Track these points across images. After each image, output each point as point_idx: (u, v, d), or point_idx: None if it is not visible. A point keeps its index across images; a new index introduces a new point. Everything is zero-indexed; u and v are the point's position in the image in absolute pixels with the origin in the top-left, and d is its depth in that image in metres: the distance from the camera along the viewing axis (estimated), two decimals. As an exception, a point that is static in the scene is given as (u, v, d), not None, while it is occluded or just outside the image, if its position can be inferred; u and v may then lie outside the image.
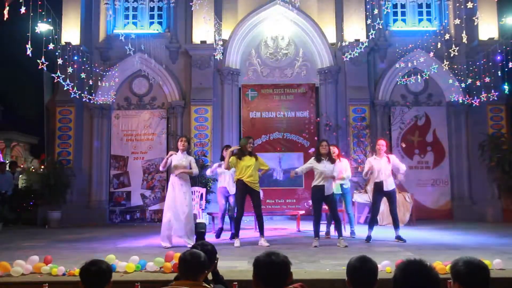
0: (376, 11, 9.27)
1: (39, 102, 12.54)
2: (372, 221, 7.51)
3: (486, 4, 11.34)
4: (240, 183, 7.05)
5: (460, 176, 11.68)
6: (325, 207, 7.35)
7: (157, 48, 11.55)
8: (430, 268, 2.20)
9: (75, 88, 8.87)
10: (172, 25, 12.27)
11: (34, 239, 8.13)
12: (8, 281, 4.47)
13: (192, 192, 7.70)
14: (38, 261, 4.82)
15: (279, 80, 12.27)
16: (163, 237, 6.95)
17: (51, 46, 7.27)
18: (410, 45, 11.43)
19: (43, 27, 7.42)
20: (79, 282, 2.69)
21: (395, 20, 12.41)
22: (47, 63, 7.07)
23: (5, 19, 5.77)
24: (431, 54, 9.43)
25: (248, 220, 9.30)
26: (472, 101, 10.36)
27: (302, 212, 9.85)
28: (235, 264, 5.13)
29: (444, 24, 11.60)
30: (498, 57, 9.47)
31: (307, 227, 8.42)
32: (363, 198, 10.08)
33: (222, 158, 8.07)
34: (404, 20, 12.41)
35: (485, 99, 10.07)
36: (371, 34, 9.05)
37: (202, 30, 11.40)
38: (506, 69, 8.63)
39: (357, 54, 9.96)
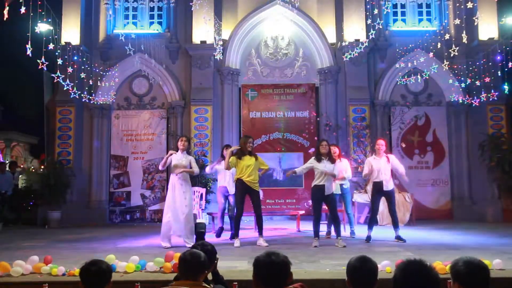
0: (376, 11, 9.27)
1: (39, 102, 12.55)
2: (371, 221, 7.51)
3: (486, 4, 11.34)
4: (239, 183, 7.05)
5: (460, 176, 11.68)
6: (325, 207, 7.35)
7: (157, 48, 11.55)
8: (430, 268, 2.20)
9: (75, 88, 8.87)
10: (172, 25, 12.27)
11: (34, 239, 8.13)
12: (8, 281, 4.47)
13: (192, 192, 7.70)
14: (38, 261, 4.82)
15: (279, 80, 12.27)
16: (163, 237, 6.95)
17: (51, 46, 7.27)
18: (410, 45, 11.43)
19: (43, 27, 7.43)
20: (79, 282, 2.69)
21: (395, 20, 12.41)
22: (47, 63, 7.07)
23: (5, 19, 5.77)
24: (431, 54, 9.44)
25: (248, 220, 9.31)
26: (472, 101, 10.36)
27: (302, 212, 9.85)
28: (235, 264, 5.13)
29: (444, 24, 11.60)
30: (498, 57, 9.47)
31: (307, 227, 8.42)
32: (363, 198, 10.07)
33: (223, 157, 8.08)
34: (404, 20, 12.41)
35: (485, 99, 10.07)
36: (371, 34, 9.05)
37: (202, 30, 11.40)
38: (506, 69, 8.63)
39: (357, 54, 9.95)
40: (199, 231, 7.03)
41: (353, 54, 9.81)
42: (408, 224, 9.85)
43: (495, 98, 10.09)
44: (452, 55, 8.79)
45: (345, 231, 8.24)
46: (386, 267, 4.54)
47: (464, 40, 8.01)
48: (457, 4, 11.10)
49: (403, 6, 12.44)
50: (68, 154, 11.48)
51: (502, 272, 4.59)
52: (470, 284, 2.26)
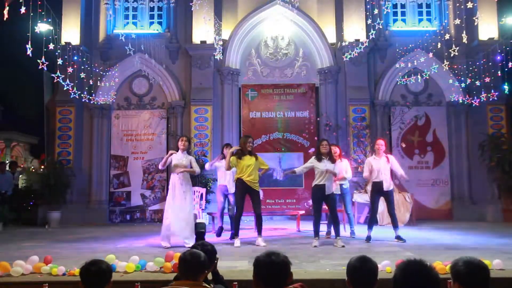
0: (376, 11, 9.27)
1: (39, 102, 12.55)
2: (371, 221, 7.51)
3: (486, 4, 11.34)
4: (239, 182, 7.05)
5: (460, 176, 11.68)
6: (325, 207, 7.35)
7: (157, 48, 11.55)
8: (430, 268, 2.20)
9: (75, 88, 8.86)
10: (172, 25, 12.27)
11: (34, 239, 8.13)
12: (8, 281, 4.47)
13: (192, 192, 7.69)
14: (38, 261, 4.82)
15: (279, 80, 12.27)
16: (163, 237, 6.95)
17: (51, 46, 7.27)
18: (410, 45, 11.43)
19: (43, 27, 7.43)
20: (79, 282, 2.69)
21: (395, 20, 12.41)
22: (47, 63, 7.07)
23: (5, 19, 5.77)
24: (431, 54, 9.44)
25: (248, 220, 9.30)
26: (472, 101, 10.36)
27: (302, 212, 9.85)
28: (235, 264, 5.13)
29: (444, 24, 11.60)
30: (498, 57, 9.47)
31: (307, 227, 8.42)
32: (363, 198, 10.07)
33: (223, 155, 8.10)
34: (404, 20, 12.41)
35: (485, 99, 10.07)
36: (371, 34, 9.04)
37: (202, 30, 11.40)
38: (506, 69, 8.63)
39: (357, 54, 9.95)
40: (199, 231, 7.03)
41: (353, 54, 9.80)
42: (408, 224, 9.85)
43: (495, 98, 10.09)
44: (452, 55, 8.79)
45: (345, 231, 8.24)
46: (386, 267, 4.55)
47: (464, 40, 8.02)
48: (457, 4, 11.10)
49: (403, 6, 12.44)
50: (68, 154, 11.49)
51: (502, 272, 4.59)
52: (470, 284, 2.26)
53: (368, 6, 10.35)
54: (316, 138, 11.60)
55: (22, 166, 17.55)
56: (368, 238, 7.32)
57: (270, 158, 11.17)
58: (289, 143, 11.91)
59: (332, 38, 12.03)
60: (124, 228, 10.27)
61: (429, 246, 6.75)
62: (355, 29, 11.62)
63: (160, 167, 7.37)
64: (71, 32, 11.50)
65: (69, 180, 11.13)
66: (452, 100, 11.61)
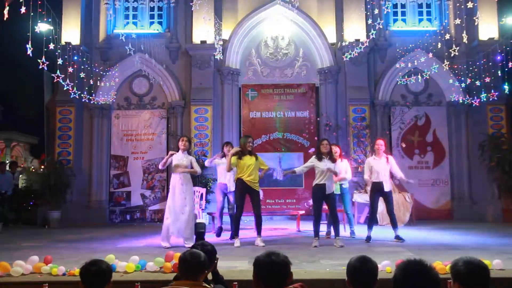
0: (376, 11, 9.27)
1: (39, 102, 12.55)
2: (371, 221, 7.51)
3: (486, 4, 11.34)
4: (240, 182, 7.05)
5: (460, 176, 11.69)
6: (325, 207, 7.35)
7: (157, 48, 11.55)
8: (430, 268, 2.20)
9: (75, 88, 8.87)
10: (172, 25, 12.27)
11: (34, 239, 8.13)
12: (8, 281, 4.47)
13: (193, 192, 7.68)
14: (38, 261, 4.82)
15: (279, 80, 12.27)
16: (163, 237, 6.95)
17: (51, 46, 7.27)
18: (410, 45, 11.43)
19: (43, 27, 7.43)
20: (79, 282, 2.69)
21: (395, 20, 12.41)
22: (47, 63, 7.07)
23: (5, 19, 5.77)
24: (431, 54, 9.43)
25: (248, 220, 9.30)
26: (472, 101, 10.36)
27: (302, 212, 9.85)
28: (235, 264, 5.13)
29: (444, 24, 11.60)
30: (498, 57, 9.47)
31: (307, 227, 8.42)
32: (363, 198, 10.07)
33: (223, 153, 8.09)
34: (404, 20, 12.41)
35: (485, 99, 10.07)
36: (371, 34, 9.03)
37: (202, 30, 11.40)
38: (506, 69, 8.63)
39: (357, 54, 9.95)
40: (198, 231, 7.03)
41: (353, 54, 9.80)
42: (408, 224, 9.84)
43: (495, 98, 10.09)
44: (452, 55, 8.80)
45: (345, 231, 8.24)
46: (386, 267, 4.55)
47: (464, 40, 8.04)
48: (457, 4, 11.10)
49: (403, 6, 12.44)
50: (68, 154, 11.49)
51: (502, 272, 4.59)
52: (470, 284, 2.26)
53: (368, 6, 10.35)
54: (316, 138, 11.60)
55: (22, 166, 17.55)
56: (368, 238, 7.32)
57: (270, 158, 11.18)
58: (289, 143, 11.91)
59: (332, 38, 12.03)
60: (124, 228, 10.27)
61: (429, 246, 6.75)
62: (355, 29, 11.62)
63: (160, 167, 7.39)
64: (71, 32, 11.50)
65: (69, 180, 11.13)
66: (452, 100, 11.61)
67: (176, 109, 11.93)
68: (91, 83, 10.83)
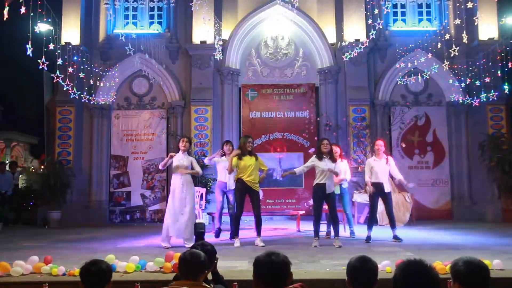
0: (376, 11, 9.26)
1: (39, 102, 12.55)
2: (371, 221, 7.51)
3: (486, 4, 11.34)
4: (240, 183, 7.05)
5: (460, 176, 11.69)
6: (325, 207, 7.35)
7: (157, 48, 11.54)
8: (430, 268, 2.20)
9: (75, 88, 8.87)
10: (172, 25, 12.27)
11: (34, 239, 8.13)
12: (8, 281, 4.47)
13: (194, 193, 7.66)
14: (38, 261, 4.82)
15: (279, 80, 12.27)
16: (163, 237, 6.95)
17: (51, 46, 7.27)
18: (410, 45, 11.43)
19: (43, 27, 7.43)
20: (79, 282, 2.69)
21: (395, 20, 12.41)
22: (47, 63, 7.07)
23: (5, 19, 5.77)
24: (430, 54, 9.43)
25: (248, 220, 9.30)
26: (472, 101, 10.37)
27: (302, 212, 9.85)
28: (235, 264, 5.13)
29: (444, 24, 11.60)
30: (498, 57, 9.46)
31: (307, 227, 8.42)
32: (363, 198, 10.06)
33: (223, 152, 8.09)
34: (404, 20, 12.41)
35: (485, 99, 10.06)
36: (371, 34, 9.03)
37: (202, 30, 11.40)
38: (506, 69, 8.63)
39: (357, 54, 9.95)
40: (198, 231, 7.02)
41: (353, 54, 9.79)
42: (408, 224, 9.85)
43: (495, 98, 10.10)
44: (452, 55, 8.79)
45: (344, 231, 8.24)
46: (386, 267, 4.55)
47: (464, 40, 8.01)
48: (457, 4, 11.10)
49: (403, 6, 12.44)
50: (68, 154, 11.49)
51: (502, 272, 4.59)
52: (470, 284, 2.26)
53: (368, 6, 10.33)
54: (316, 138, 11.59)
55: (22, 166, 17.54)
56: (368, 238, 7.32)
57: (270, 158, 11.20)
58: (289, 143, 11.90)
59: (332, 38, 12.03)
60: (124, 228, 10.27)
61: (429, 246, 6.75)
62: (355, 29, 11.62)
63: (160, 167, 7.42)
64: (71, 32, 11.50)
65: (69, 180, 11.12)
66: (452, 100, 11.61)
67: (176, 109, 11.93)
68: (91, 83, 10.83)
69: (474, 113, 11.49)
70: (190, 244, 5.72)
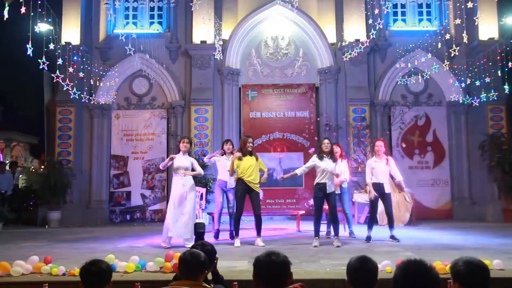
0: (376, 11, 9.26)
1: (39, 102, 12.55)
2: (371, 221, 7.51)
3: (486, 4, 11.35)
4: (240, 183, 7.05)
5: (460, 176, 11.69)
6: (325, 206, 7.34)
7: (157, 48, 11.56)
8: (430, 268, 2.20)
9: (75, 88, 8.86)
10: (172, 25, 12.28)
11: (34, 239, 8.12)
12: (8, 281, 4.46)
13: (195, 193, 7.65)
14: (38, 261, 4.82)
15: (279, 80, 12.27)
16: (163, 237, 6.94)
17: (51, 46, 7.27)
18: (410, 45, 11.44)
19: (43, 27, 7.43)
20: (79, 282, 2.69)
21: (395, 20, 12.42)
22: (47, 63, 7.07)
23: (5, 19, 5.77)
24: (430, 54, 9.43)
25: (248, 220, 9.30)
26: (472, 101, 10.37)
27: (302, 212, 9.85)
28: (235, 264, 5.13)
29: (444, 24, 11.61)
30: (498, 57, 9.47)
31: (307, 227, 8.42)
32: (363, 198, 10.06)
33: (223, 151, 8.08)
34: (404, 20, 12.41)
35: (485, 99, 10.06)
36: (371, 34, 9.03)
37: (202, 30, 11.41)
38: (506, 69, 8.64)
39: (357, 54, 9.95)
40: (198, 231, 7.00)
41: (353, 54, 9.80)
42: (408, 224, 9.85)
43: (495, 98, 10.11)
44: (452, 55, 8.82)
45: (344, 231, 8.24)
46: (386, 267, 4.54)
47: (465, 40, 8.02)
48: (457, 4, 11.07)
49: (403, 6, 12.45)
50: (68, 154, 11.49)
51: (502, 272, 4.58)
52: (470, 284, 2.26)
53: (368, 6, 10.34)
54: (316, 138, 11.61)
55: (22, 166, 17.54)
56: (368, 238, 7.31)
57: (270, 158, 11.21)
58: (289, 143, 11.91)
59: (332, 38, 12.03)
60: (124, 228, 10.27)
61: (429, 246, 6.74)
62: (355, 29, 11.62)
63: (160, 167, 7.42)
64: (71, 32, 11.50)
65: (69, 180, 11.13)
66: (452, 100, 11.61)
67: (176, 109, 11.94)
68: (91, 83, 10.84)
69: (474, 113, 11.49)
70: (190, 244, 5.72)
